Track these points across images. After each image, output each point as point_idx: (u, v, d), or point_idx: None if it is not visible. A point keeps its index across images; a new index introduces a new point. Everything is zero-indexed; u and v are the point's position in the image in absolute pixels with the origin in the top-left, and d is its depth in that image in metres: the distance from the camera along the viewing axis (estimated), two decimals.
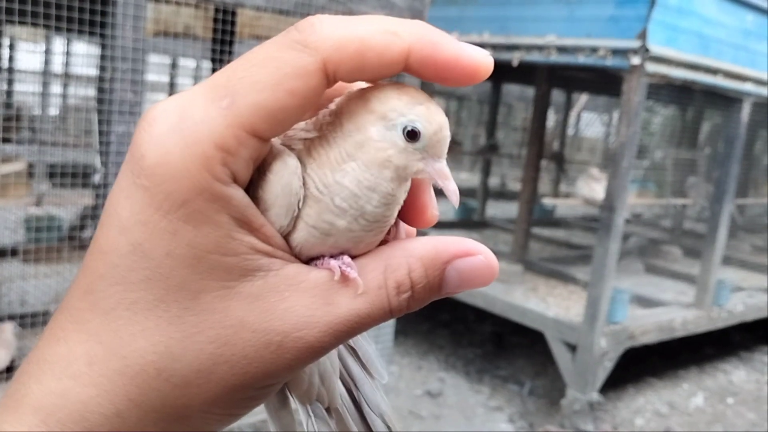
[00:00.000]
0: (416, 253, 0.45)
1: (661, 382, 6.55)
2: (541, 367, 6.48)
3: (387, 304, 0.44)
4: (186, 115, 0.41)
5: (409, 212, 0.49)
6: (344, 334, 0.44)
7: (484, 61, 0.43)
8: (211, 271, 0.42)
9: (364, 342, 0.57)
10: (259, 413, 0.50)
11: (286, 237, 0.45)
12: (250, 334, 0.42)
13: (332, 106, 0.46)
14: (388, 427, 0.57)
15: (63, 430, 0.41)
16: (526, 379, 6.30)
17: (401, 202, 0.46)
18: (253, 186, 0.43)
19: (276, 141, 0.45)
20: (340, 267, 0.44)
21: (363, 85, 0.46)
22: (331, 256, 0.45)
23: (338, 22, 0.42)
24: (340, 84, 0.45)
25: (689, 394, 6.39)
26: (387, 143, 0.43)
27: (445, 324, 7.34)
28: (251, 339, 0.42)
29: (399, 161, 0.44)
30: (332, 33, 0.41)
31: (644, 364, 6.64)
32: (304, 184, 0.44)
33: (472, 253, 0.45)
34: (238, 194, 0.42)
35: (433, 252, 0.45)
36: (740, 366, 7.28)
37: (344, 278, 0.44)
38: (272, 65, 0.41)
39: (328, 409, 0.56)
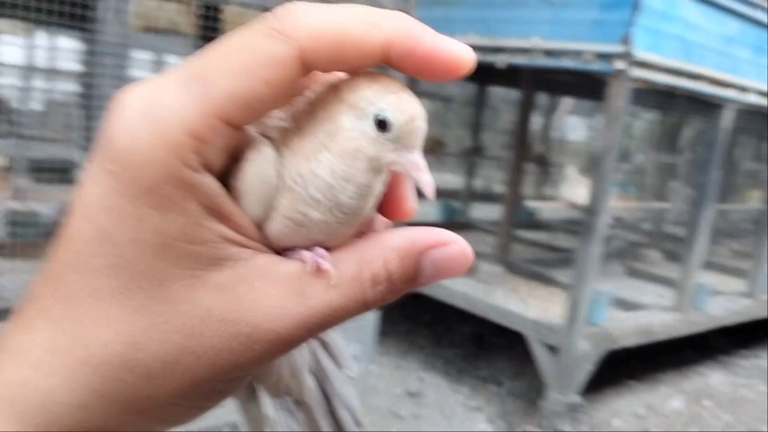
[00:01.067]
0: (392, 244, 0.44)
1: (640, 385, 6.59)
2: (521, 368, 6.50)
3: (361, 295, 0.44)
4: (157, 100, 0.40)
5: (386, 204, 0.48)
6: (316, 326, 0.43)
7: (464, 57, 0.42)
8: (178, 260, 0.40)
9: (334, 334, 0.57)
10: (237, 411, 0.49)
11: (260, 227, 0.44)
12: (218, 325, 0.41)
13: (308, 94, 0.45)
14: (356, 421, 0.56)
15: (24, 420, 0.40)
16: (506, 380, 6.32)
17: (377, 194, 0.45)
18: (226, 175, 0.42)
19: (252, 129, 0.44)
20: (312, 257, 0.43)
21: (342, 74, 0.45)
22: (305, 248, 0.44)
23: (317, 10, 0.41)
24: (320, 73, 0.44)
25: (667, 396, 6.44)
26: (358, 133, 0.42)
27: (426, 324, 7.35)
28: (219, 330, 0.41)
29: (370, 152, 0.42)
30: (310, 21, 0.40)
31: (623, 366, 6.68)
32: (279, 173, 0.43)
33: (446, 243, 0.45)
34: (208, 181, 0.41)
35: (409, 243, 0.44)
36: (718, 369, 7.34)
37: (317, 269, 0.43)
38: (247, 52, 0.40)
39: (297, 402, 0.55)
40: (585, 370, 5.62)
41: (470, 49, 0.43)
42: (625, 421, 5.83)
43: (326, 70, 0.42)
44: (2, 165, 3.45)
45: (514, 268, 7.18)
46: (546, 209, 11.12)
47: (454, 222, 9.21)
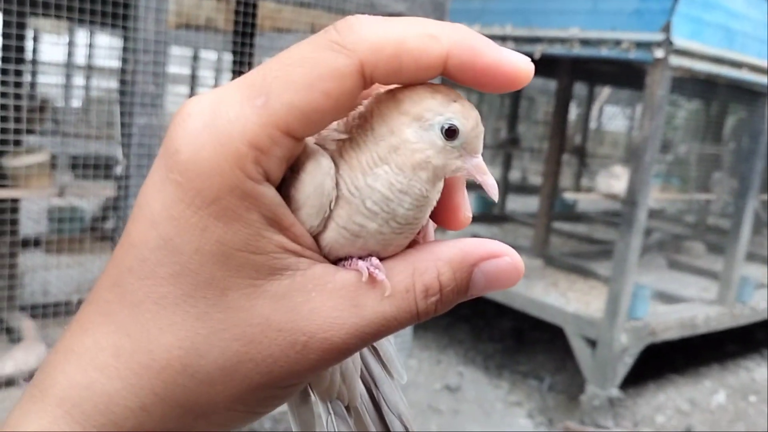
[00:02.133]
0: (444, 256, 0.45)
1: (683, 379, 6.51)
2: (561, 362, 6.46)
3: (414, 307, 0.44)
4: (220, 112, 0.40)
5: (441, 214, 0.48)
6: (370, 336, 0.43)
7: (524, 68, 0.42)
8: (239, 269, 0.41)
9: (385, 341, 0.57)
10: None
11: (316, 237, 0.44)
12: (276, 333, 0.42)
13: (361, 108, 0.45)
14: (406, 427, 0.56)
15: (88, 421, 0.41)
16: (546, 375, 6.28)
17: (434, 204, 0.46)
18: (285, 184, 0.43)
19: (310, 140, 0.44)
20: (368, 268, 0.43)
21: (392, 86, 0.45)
22: (360, 258, 0.45)
23: (377, 23, 0.41)
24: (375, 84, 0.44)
25: (711, 391, 6.34)
26: (425, 144, 0.43)
27: (465, 318, 7.34)
28: (277, 338, 0.42)
29: (438, 161, 0.43)
30: (370, 34, 0.40)
31: (665, 360, 6.60)
32: (336, 185, 0.43)
33: (498, 255, 0.45)
34: (270, 193, 0.41)
35: (461, 255, 0.45)
36: (763, 363, 7.21)
37: (372, 280, 0.43)
38: (308, 65, 0.40)
39: (347, 407, 0.55)
40: (625, 363, 5.57)
41: (529, 60, 0.42)
42: (669, 417, 5.75)
43: (386, 83, 0.43)
44: (47, 162, 3.52)
45: (553, 261, 7.13)
46: (584, 201, 11.02)
47: (490, 215, 9.18)
